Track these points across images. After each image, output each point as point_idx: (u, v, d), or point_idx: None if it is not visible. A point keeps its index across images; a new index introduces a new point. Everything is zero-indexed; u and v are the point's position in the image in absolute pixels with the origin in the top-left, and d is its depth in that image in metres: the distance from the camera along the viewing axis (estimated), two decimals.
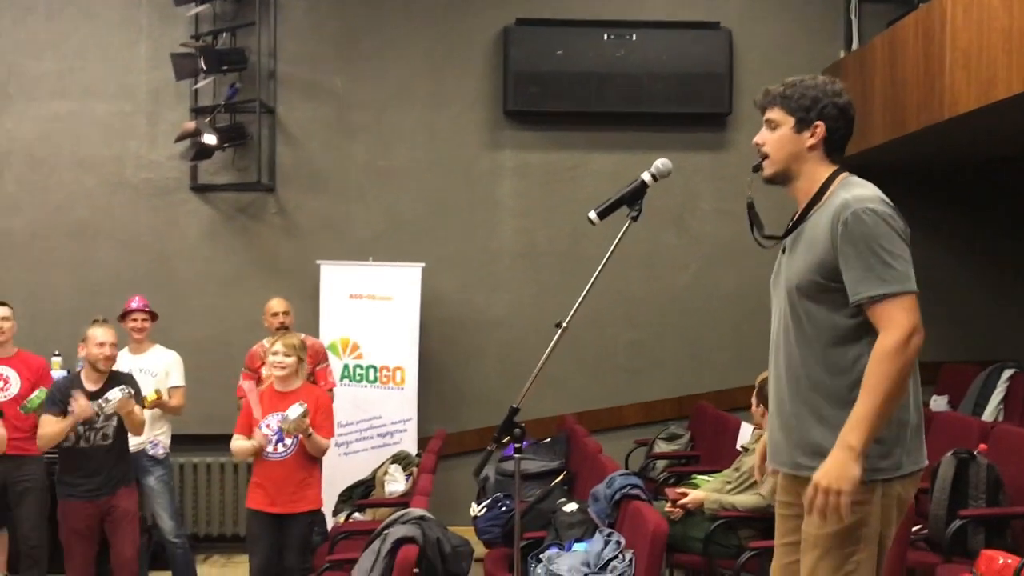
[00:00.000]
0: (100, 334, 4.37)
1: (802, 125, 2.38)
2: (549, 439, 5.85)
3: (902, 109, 5.35)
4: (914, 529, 4.16)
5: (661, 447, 6.11)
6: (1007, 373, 5.94)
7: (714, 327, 6.53)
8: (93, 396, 4.29)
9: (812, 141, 2.38)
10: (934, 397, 6.31)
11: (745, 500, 4.17)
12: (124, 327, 5.08)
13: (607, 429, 6.46)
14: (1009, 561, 3.70)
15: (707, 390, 6.51)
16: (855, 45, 6.44)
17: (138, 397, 4.42)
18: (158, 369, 5.05)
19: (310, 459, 4.34)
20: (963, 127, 4.95)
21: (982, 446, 4.42)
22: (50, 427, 4.24)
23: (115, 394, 4.17)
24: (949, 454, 4.34)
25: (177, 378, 5.11)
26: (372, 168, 6.51)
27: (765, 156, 2.44)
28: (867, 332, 2.25)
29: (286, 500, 4.28)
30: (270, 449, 4.27)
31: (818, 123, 2.36)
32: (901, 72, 5.38)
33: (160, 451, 5.00)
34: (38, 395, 4.43)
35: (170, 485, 5.12)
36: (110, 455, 4.40)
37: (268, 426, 4.28)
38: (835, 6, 6.57)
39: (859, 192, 2.28)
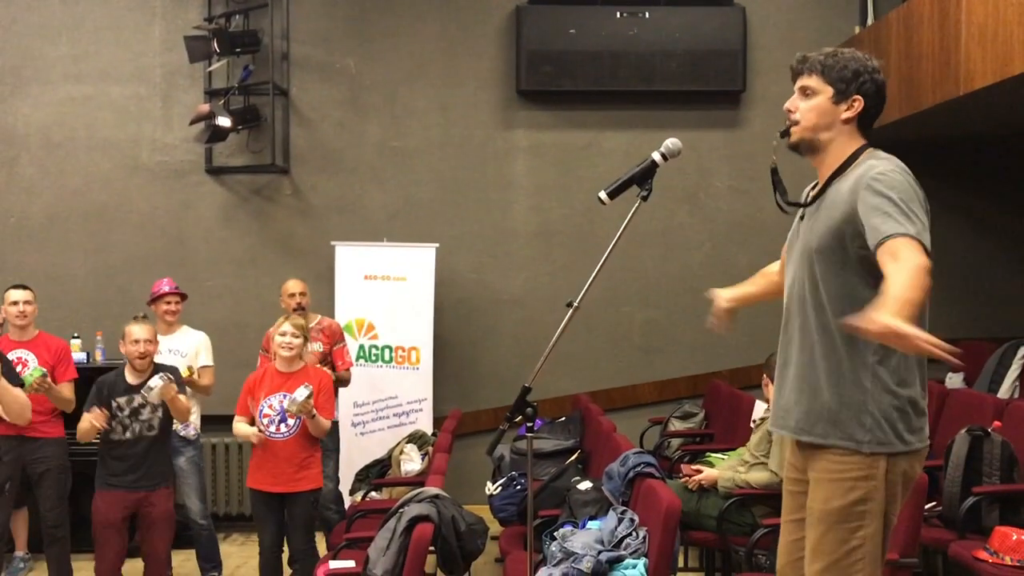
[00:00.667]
0: (136, 331, 4.39)
1: (841, 97, 2.36)
2: (564, 418, 5.87)
3: (918, 85, 5.31)
4: (928, 506, 4.17)
5: (675, 425, 6.12)
6: (1022, 350, 5.92)
7: None
8: (135, 390, 4.34)
9: (849, 114, 2.36)
10: (949, 375, 6.28)
11: (758, 477, 4.19)
12: (155, 310, 5.13)
13: (621, 408, 6.49)
14: (1023, 537, 3.72)
15: (721, 368, 6.52)
16: (870, 20, 6.38)
17: (179, 384, 4.44)
18: (188, 349, 5.10)
19: (311, 439, 4.38)
20: (979, 103, 4.91)
21: (996, 423, 4.42)
22: (83, 422, 4.31)
23: (156, 382, 4.19)
24: (963, 431, 4.34)
25: (206, 358, 5.16)
26: (386, 149, 6.53)
27: (795, 123, 2.40)
28: None
29: (289, 479, 4.32)
30: (273, 429, 4.31)
31: (857, 97, 2.35)
32: (916, 48, 5.33)
33: (191, 431, 5.03)
34: (31, 373, 4.45)
35: (200, 466, 5.15)
36: (154, 447, 4.40)
37: (271, 406, 4.32)
38: None
39: (885, 162, 2.28)
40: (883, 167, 2.24)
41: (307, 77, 6.51)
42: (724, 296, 2.82)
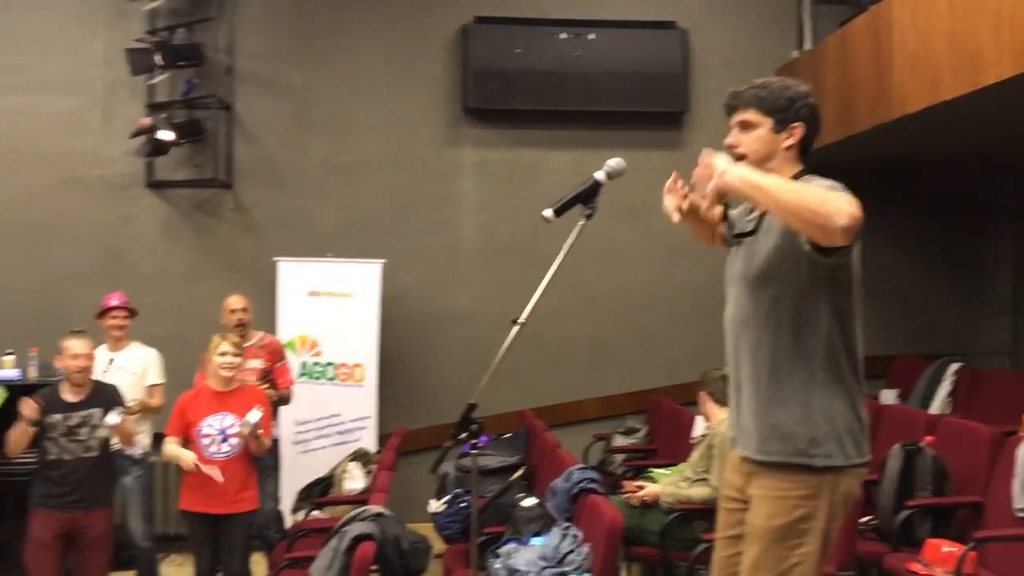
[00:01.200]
0: (75, 346, 4.30)
1: (780, 126, 2.40)
2: (509, 434, 5.88)
3: (853, 108, 5.46)
4: (863, 520, 4.27)
5: (619, 441, 6.18)
6: (953, 367, 6.11)
7: (671, 322, 6.62)
8: (73, 407, 4.24)
9: (790, 142, 2.40)
10: (884, 391, 6.45)
11: (700, 492, 4.25)
12: (102, 324, 5.02)
13: (566, 424, 6.52)
14: (953, 549, 3.83)
15: (664, 384, 6.59)
16: (808, 45, 6.55)
17: (122, 404, 4.35)
18: (136, 367, 5.00)
19: (250, 460, 4.33)
20: (911, 126, 5.07)
21: (929, 438, 4.54)
22: (13, 430, 4.18)
23: (113, 418, 4.12)
24: (897, 446, 4.45)
25: (156, 376, 5.06)
26: (332, 164, 6.51)
27: (740, 157, 2.42)
28: (830, 316, 2.31)
29: (229, 501, 4.25)
30: (213, 449, 4.23)
31: (796, 124, 2.39)
32: (852, 72, 5.50)
33: (138, 451, 4.90)
34: None
35: (146, 486, 5.03)
36: (95, 468, 4.31)
37: (210, 426, 4.25)
38: (788, 7, 6.68)
39: (820, 180, 2.32)
40: (819, 180, 2.30)
41: (252, 92, 6.47)
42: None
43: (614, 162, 2.79)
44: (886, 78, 5.05)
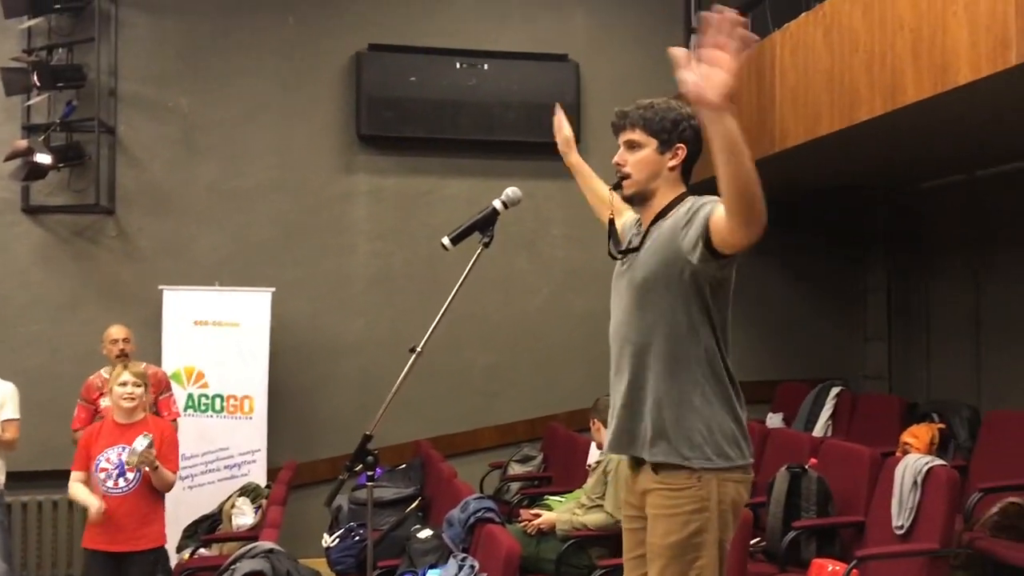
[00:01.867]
0: None
1: (665, 147, 2.47)
2: (404, 465, 5.81)
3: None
4: (752, 541, 4.38)
5: (515, 469, 6.18)
6: (835, 390, 6.35)
7: (566, 349, 6.68)
8: None
9: (674, 162, 2.48)
10: (769, 415, 6.66)
11: (595, 519, 4.28)
12: None
13: (462, 453, 6.49)
14: (837, 568, 3.96)
15: (559, 411, 6.64)
16: None
17: None
18: None
19: (153, 494, 4.15)
20: (792, 160, 5.28)
21: (812, 460, 4.70)
22: None
23: None
24: (783, 469, 4.59)
25: (12, 410, 4.79)
26: (219, 190, 6.34)
27: (626, 176, 2.50)
28: (710, 327, 2.38)
29: (128, 538, 4.07)
30: (111, 484, 4.06)
31: (680, 144, 2.47)
32: (736, 106, 5.69)
33: None
34: None
35: (3, 525, 4.78)
36: None
37: (108, 460, 4.08)
38: (675, 42, 6.82)
39: (705, 197, 2.39)
40: (705, 198, 2.37)
41: (136, 115, 6.26)
42: (568, 136, 3.13)
43: (511, 191, 2.82)
44: (768, 113, 5.25)
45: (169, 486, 4.20)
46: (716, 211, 2.19)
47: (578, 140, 6.53)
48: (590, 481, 4.50)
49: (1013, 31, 3.36)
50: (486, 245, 2.74)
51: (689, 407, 2.37)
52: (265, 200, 6.39)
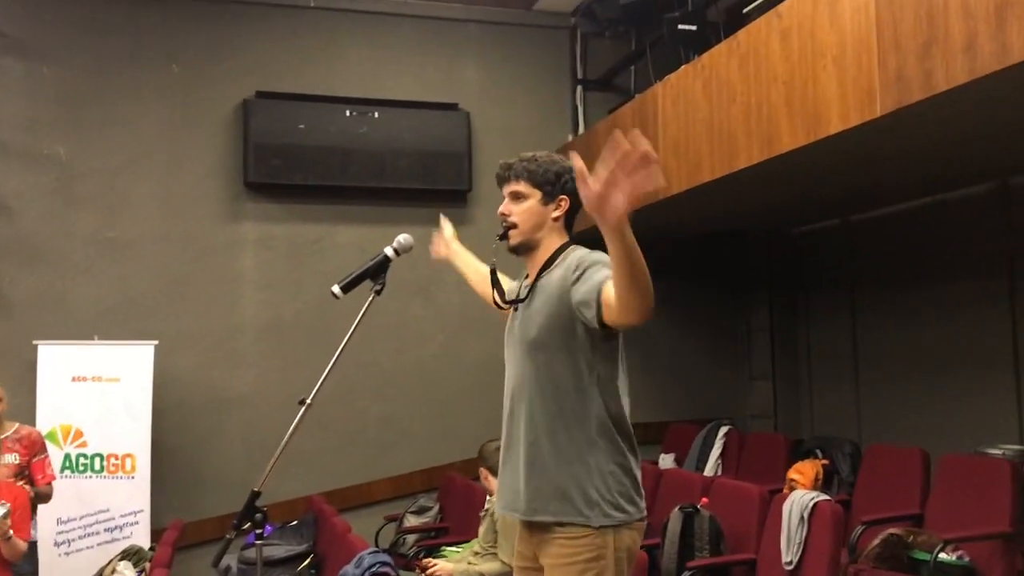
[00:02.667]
0: None
1: (549, 198, 2.53)
2: (296, 521, 5.65)
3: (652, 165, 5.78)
4: None
5: (411, 521, 6.08)
6: (723, 430, 6.51)
7: (462, 397, 6.65)
8: None
9: (557, 213, 2.53)
10: (662, 455, 6.76)
11: (490, 567, 4.23)
12: None
13: (356, 507, 6.35)
14: None
15: (456, 459, 6.58)
16: (581, 129, 6.95)
17: None
18: None
19: (3, 564, 3.92)
20: (676, 206, 5.43)
21: (704, 500, 4.78)
22: None
23: None
24: (676, 509, 4.66)
25: None
26: (99, 240, 6.11)
27: (512, 226, 2.54)
28: (601, 381, 2.40)
29: None
30: None
31: (563, 196, 2.52)
32: None
33: None
34: None
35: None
36: None
37: None
38: (562, 93, 7.06)
39: (592, 253, 2.44)
40: (593, 256, 2.41)
41: (9, 163, 5.99)
42: (449, 239, 3.10)
43: (403, 238, 2.81)
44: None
45: (20, 555, 3.99)
46: (607, 288, 2.21)
47: (469, 188, 6.68)
48: (481, 529, 4.46)
49: (877, 84, 3.57)
50: (378, 293, 2.71)
51: (583, 464, 2.38)
52: (147, 250, 6.19)
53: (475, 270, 3.04)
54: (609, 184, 1.80)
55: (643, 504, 2.47)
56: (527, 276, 2.61)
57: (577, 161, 1.95)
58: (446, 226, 3.17)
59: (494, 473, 4.38)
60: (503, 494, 2.55)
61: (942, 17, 3.26)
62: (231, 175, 6.36)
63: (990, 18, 3.06)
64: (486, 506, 4.56)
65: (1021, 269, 5.29)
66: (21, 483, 4.53)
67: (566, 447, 2.39)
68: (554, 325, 2.41)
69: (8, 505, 3.78)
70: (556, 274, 2.45)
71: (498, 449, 4.37)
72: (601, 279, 2.25)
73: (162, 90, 6.27)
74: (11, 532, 3.80)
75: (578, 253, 2.46)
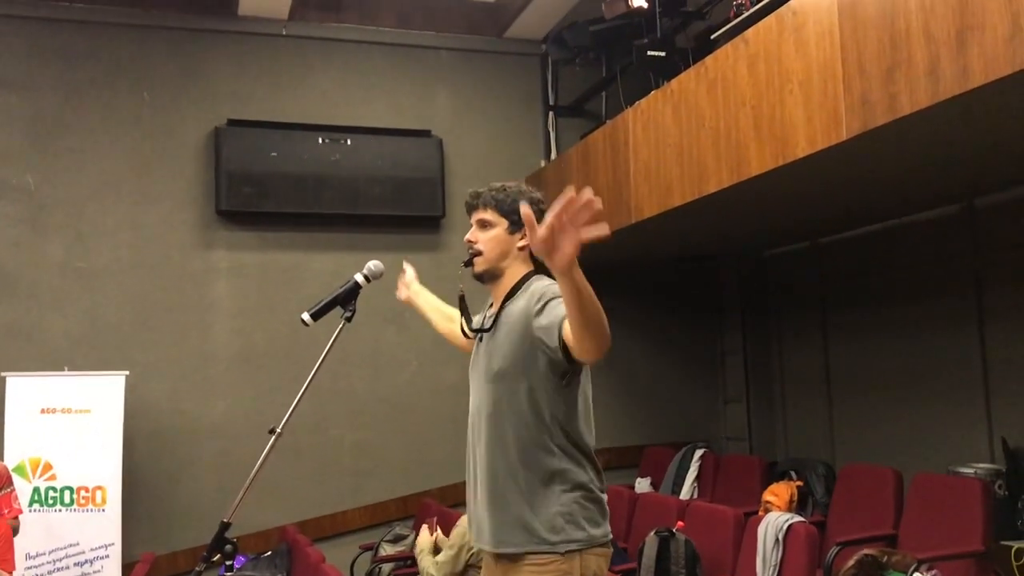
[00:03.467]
0: None
1: (515, 227, 2.56)
2: (269, 552, 5.59)
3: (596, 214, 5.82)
4: None
5: (386, 550, 6.02)
6: (698, 453, 6.52)
7: (437, 423, 6.61)
8: None
9: (523, 243, 2.56)
10: (638, 479, 6.76)
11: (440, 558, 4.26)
12: None
13: (331, 536, 6.29)
14: None
15: (431, 487, 6.54)
16: (553, 155, 6.99)
17: None
18: None
19: None
20: (648, 230, 5.47)
21: (680, 523, 4.78)
22: None
23: None
24: (652, 533, 4.65)
25: None
26: (69, 270, 6.05)
27: (478, 253, 2.58)
28: (563, 408, 2.40)
29: None
30: None
31: None
32: (594, 180, 5.89)
33: None
34: None
35: None
36: None
37: None
38: (534, 119, 7.12)
39: (554, 284, 2.44)
40: (554, 285, 2.41)
41: None
42: (409, 281, 3.16)
43: (373, 264, 2.81)
44: (624, 186, 5.45)
45: None
46: (567, 325, 2.22)
47: (442, 214, 6.70)
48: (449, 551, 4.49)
49: (843, 108, 3.63)
50: (348, 320, 2.71)
51: (546, 494, 2.38)
52: (118, 279, 6.13)
53: (436, 309, 3.07)
54: (556, 230, 1.85)
55: (608, 527, 2.47)
56: (491, 305, 2.62)
57: (525, 209, 1.99)
58: (408, 269, 3.19)
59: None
60: (471, 525, 2.54)
61: (904, 42, 3.32)
62: (203, 203, 6.33)
63: (951, 42, 3.12)
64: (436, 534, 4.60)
65: (988, 289, 5.36)
66: None
67: (527, 478, 2.40)
68: (517, 355, 2.42)
69: None
70: (519, 304, 2.47)
71: None
72: (562, 313, 2.25)
73: (133, 118, 6.25)
74: None
75: (541, 283, 2.48)
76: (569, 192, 1.85)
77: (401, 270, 3.18)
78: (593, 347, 2.11)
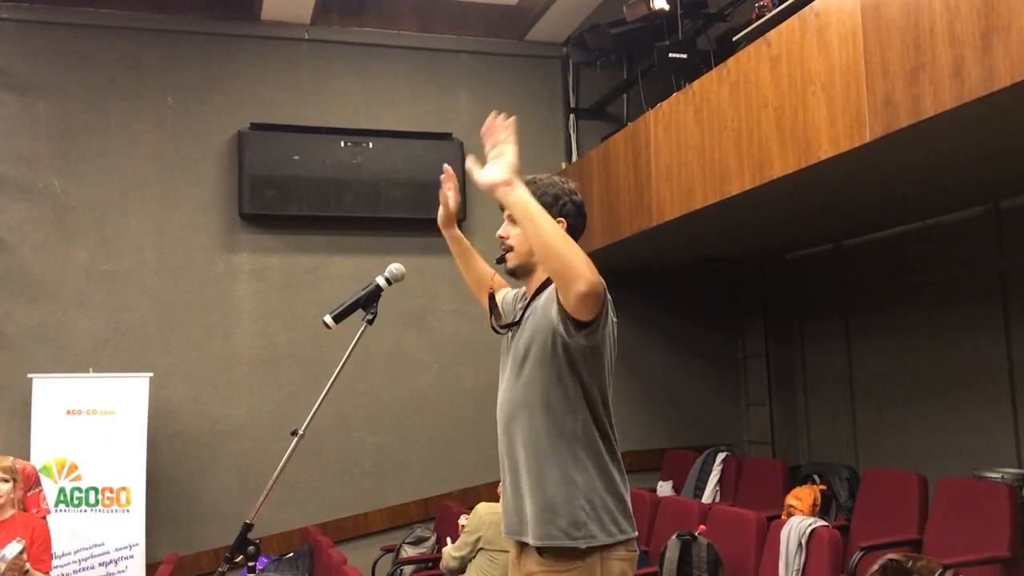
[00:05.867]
0: None
1: None
2: (292, 553, 5.62)
3: (617, 216, 5.83)
4: None
5: (408, 552, 6.04)
6: (721, 456, 6.48)
7: (458, 426, 6.63)
8: None
9: None
10: (660, 483, 6.73)
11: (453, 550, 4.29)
12: None
13: (353, 538, 6.31)
14: None
15: (452, 489, 6.55)
16: (575, 157, 6.99)
17: None
18: None
19: None
20: (670, 233, 5.46)
21: (702, 527, 4.76)
22: None
23: None
24: (674, 536, 4.63)
25: None
26: (94, 273, 6.11)
27: (509, 249, 2.54)
28: (586, 399, 2.37)
29: None
30: None
31: (560, 219, 2.48)
32: (615, 183, 5.89)
33: None
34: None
35: None
36: None
37: None
38: (555, 121, 7.12)
39: None
40: None
41: (4, 197, 6.01)
42: (452, 216, 3.05)
43: (394, 267, 2.81)
44: (645, 189, 5.44)
45: None
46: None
47: (464, 216, 6.69)
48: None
49: (866, 110, 3.60)
50: (370, 322, 2.71)
51: (571, 484, 2.35)
52: (143, 282, 6.19)
53: (471, 265, 3.00)
54: (493, 157, 2.20)
55: (632, 525, 2.43)
56: (524, 296, 2.61)
57: (469, 159, 2.32)
58: (449, 170, 3.06)
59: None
60: (505, 516, 2.52)
61: (928, 43, 3.29)
62: (226, 207, 6.38)
63: (976, 44, 3.09)
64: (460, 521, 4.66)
65: (1014, 291, 5.30)
66: None
67: (551, 468, 2.37)
68: (539, 344, 2.40)
69: (24, 541, 3.78)
70: (544, 296, 2.46)
71: None
72: None
73: (157, 123, 6.31)
74: (28, 567, 3.79)
75: None
76: (483, 131, 2.23)
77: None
78: (562, 275, 2.11)
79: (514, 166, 2.15)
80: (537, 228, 2.12)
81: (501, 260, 2.57)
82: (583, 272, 2.09)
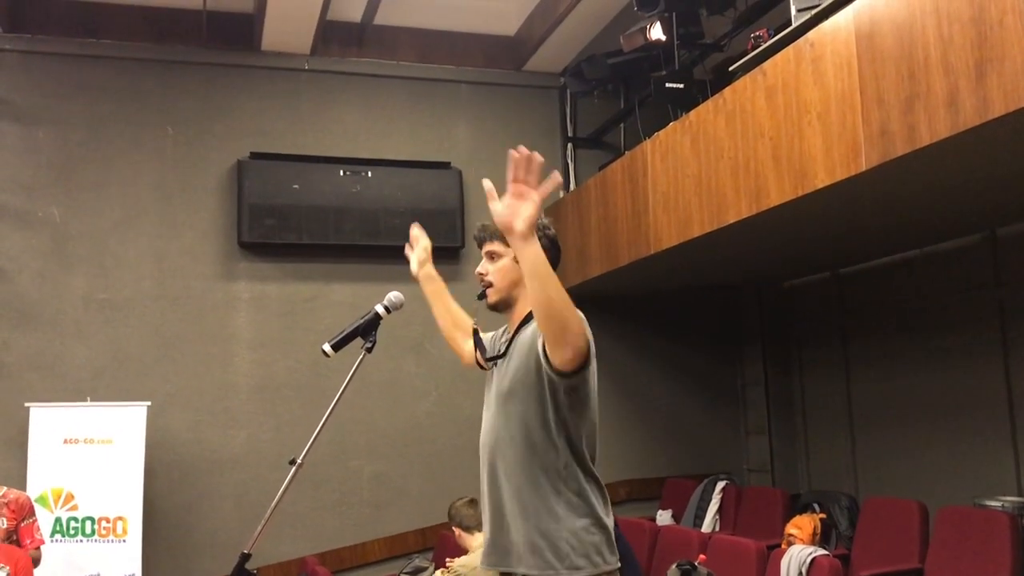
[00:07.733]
0: None
1: None
2: None
3: (615, 244, 5.84)
4: None
5: None
6: (720, 485, 6.46)
7: (455, 453, 6.60)
8: None
9: None
10: (659, 512, 6.70)
11: None
12: None
13: (350, 568, 6.27)
14: None
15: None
16: (572, 186, 7.02)
17: None
18: None
19: None
20: (668, 261, 5.47)
21: (702, 557, 4.73)
22: None
23: None
24: (674, 566, 4.59)
25: None
26: (92, 301, 6.11)
27: (489, 284, 2.58)
28: (570, 433, 2.38)
29: None
30: None
31: None
32: (613, 211, 5.91)
33: None
34: None
35: None
36: None
37: None
38: (553, 151, 7.15)
39: None
40: None
41: (3, 225, 6.03)
42: (423, 258, 3.13)
43: (393, 295, 2.82)
44: (643, 217, 5.46)
45: None
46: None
47: (462, 245, 6.73)
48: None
49: (862, 139, 3.63)
50: (368, 350, 2.71)
51: (553, 517, 2.36)
52: (141, 310, 6.19)
53: (445, 307, 3.04)
54: (515, 195, 2.03)
55: (614, 557, 2.44)
56: (507, 330, 2.63)
57: (487, 183, 2.14)
58: (421, 237, 3.17)
59: (464, 529, 4.42)
60: (488, 549, 2.52)
61: (923, 73, 3.33)
62: (225, 235, 6.40)
63: (970, 73, 3.12)
64: (448, 564, 4.55)
65: (1012, 319, 5.31)
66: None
67: (535, 499, 2.38)
68: (523, 379, 2.42)
69: (8, 569, 3.74)
70: (529, 329, 2.47)
71: (468, 503, 4.44)
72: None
73: (156, 152, 6.34)
74: None
75: None
76: (513, 154, 1.99)
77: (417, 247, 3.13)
78: (556, 336, 2.14)
79: (535, 223, 2.07)
80: (544, 288, 2.10)
81: (482, 296, 2.61)
82: (576, 340, 2.14)
